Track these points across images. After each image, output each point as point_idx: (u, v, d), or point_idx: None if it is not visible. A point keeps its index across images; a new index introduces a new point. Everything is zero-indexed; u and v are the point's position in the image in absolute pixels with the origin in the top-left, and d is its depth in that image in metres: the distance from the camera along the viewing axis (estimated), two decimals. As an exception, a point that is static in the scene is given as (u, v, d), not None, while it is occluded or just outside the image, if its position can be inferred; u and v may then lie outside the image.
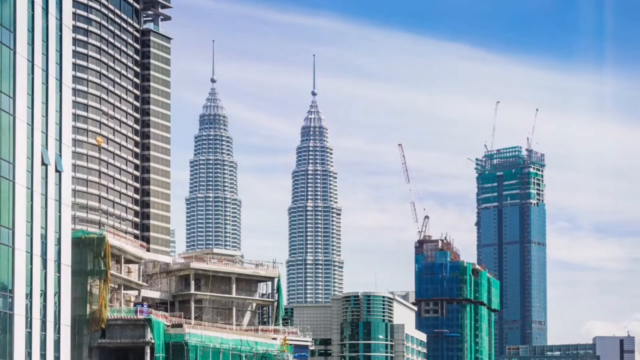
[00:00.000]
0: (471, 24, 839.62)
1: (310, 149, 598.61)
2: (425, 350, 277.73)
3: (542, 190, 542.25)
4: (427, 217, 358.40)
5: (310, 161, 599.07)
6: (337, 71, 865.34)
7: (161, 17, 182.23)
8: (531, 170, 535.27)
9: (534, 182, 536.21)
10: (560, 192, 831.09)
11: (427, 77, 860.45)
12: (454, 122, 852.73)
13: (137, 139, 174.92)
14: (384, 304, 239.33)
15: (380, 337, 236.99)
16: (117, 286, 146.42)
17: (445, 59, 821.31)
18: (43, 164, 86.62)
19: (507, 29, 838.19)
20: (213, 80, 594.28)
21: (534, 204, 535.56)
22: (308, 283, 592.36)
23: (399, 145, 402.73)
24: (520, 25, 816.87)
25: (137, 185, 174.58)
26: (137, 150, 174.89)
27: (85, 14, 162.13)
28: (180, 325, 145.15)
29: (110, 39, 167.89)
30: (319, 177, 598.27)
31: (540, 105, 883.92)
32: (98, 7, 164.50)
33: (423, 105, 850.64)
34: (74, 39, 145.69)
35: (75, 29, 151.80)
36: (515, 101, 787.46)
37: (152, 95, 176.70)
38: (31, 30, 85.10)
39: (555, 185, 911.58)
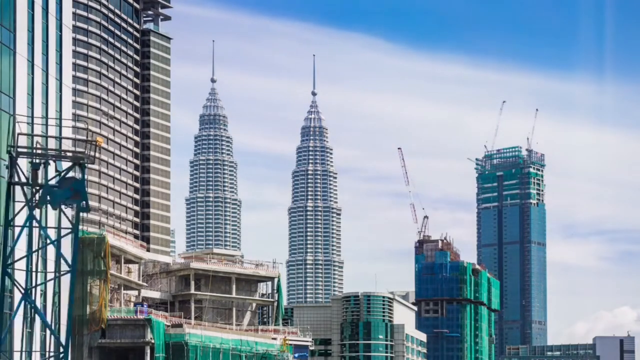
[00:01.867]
0: (472, 26, 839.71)
1: (310, 149, 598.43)
2: (425, 350, 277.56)
3: (542, 190, 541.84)
4: (426, 217, 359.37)
5: (310, 161, 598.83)
6: (336, 73, 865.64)
7: (161, 17, 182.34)
8: (531, 170, 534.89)
9: (534, 182, 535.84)
10: (560, 192, 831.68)
11: (427, 77, 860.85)
12: (455, 122, 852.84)
13: (137, 139, 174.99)
14: (384, 304, 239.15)
15: (380, 337, 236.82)
16: (117, 286, 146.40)
17: (446, 60, 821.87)
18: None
19: (507, 31, 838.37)
20: (213, 80, 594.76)
21: (534, 204, 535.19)
22: (308, 283, 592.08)
23: (399, 149, 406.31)
24: (520, 27, 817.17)
25: (137, 185, 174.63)
26: (137, 150, 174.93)
27: (85, 14, 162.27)
28: (180, 325, 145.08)
29: (111, 39, 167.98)
30: (319, 177, 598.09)
31: (540, 107, 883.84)
32: (98, 7, 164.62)
33: (424, 105, 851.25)
34: (74, 39, 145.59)
35: (75, 29, 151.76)
36: (516, 102, 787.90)
37: (152, 95, 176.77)
38: (31, 30, 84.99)
39: (556, 185, 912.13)
